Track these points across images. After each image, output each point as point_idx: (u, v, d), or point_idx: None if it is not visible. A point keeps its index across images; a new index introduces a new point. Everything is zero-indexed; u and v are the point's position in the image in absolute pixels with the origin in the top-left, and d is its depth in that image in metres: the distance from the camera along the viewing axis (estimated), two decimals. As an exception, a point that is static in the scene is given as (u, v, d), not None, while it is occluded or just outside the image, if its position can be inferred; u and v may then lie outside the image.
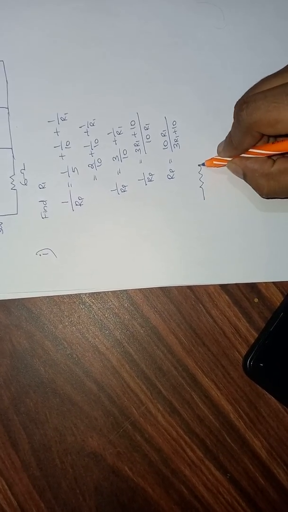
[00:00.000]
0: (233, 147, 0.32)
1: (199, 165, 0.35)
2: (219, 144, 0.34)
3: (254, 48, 0.38)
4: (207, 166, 0.35)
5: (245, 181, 0.33)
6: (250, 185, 0.33)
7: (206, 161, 0.35)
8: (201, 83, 0.37)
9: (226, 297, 0.35)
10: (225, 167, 0.34)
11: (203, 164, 0.35)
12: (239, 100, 0.31)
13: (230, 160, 0.33)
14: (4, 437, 0.31)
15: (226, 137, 0.33)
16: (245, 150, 0.32)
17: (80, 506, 0.31)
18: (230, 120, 0.36)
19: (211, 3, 0.38)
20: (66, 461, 0.32)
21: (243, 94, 0.33)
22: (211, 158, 0.35)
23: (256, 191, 0.32)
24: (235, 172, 0.34)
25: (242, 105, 0.29)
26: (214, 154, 0.35)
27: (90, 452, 0.32)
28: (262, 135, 0.30)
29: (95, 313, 0.34)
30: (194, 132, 0.36)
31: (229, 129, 0.34)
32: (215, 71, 0.37)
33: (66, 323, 0.33)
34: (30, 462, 0.32)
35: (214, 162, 0.35)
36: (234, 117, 0.32)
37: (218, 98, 0.37)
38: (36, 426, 0.32)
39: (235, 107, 0.31)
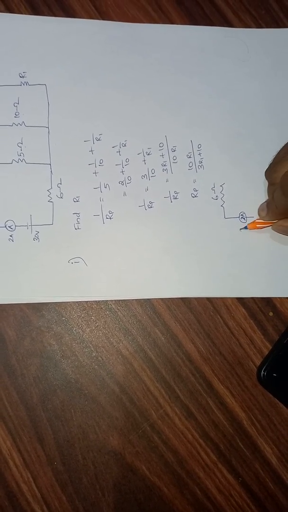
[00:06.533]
0: (279, 212, 0.35)
1: (241, 229, 0.37)
2: (260, 209, 0.37)
3: (275, 77, 0.41)
4: (250, 229, 0.37)
5: None
6: None
7: (248, 224, 0.37)
8: (224, 109, 0.40)
9: (243, 309, 0.37)
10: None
11: (246, 228, 0.37)
12: (270, 169, 0.35)
13: (277, 223, 0.36)
14: (32, 432, 0.34)
15: (268, 204, 0.36)
16: None
17: (99, 501, 0.33)
18: (251, 144, 0.39)
19: (237, 37, 0.41)
20: (88, 457, 0.34)
21: (264, 118, 0.37)
22: (254, 222, 0.37)
23: None
24: (283, 232, 0.37)
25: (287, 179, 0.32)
26: (236, 176, 0.38)
27: (111, 450, 0.34)
28: None
29: (120, 319, 0.36)
30: (217, 154, 0.39)
31: (250, 151, 0.37)
32: (237, 98, 0.40)
33: (93, 327, 0.36)
34: (55, 457, 0.33)
35: (257, 225, 0.37)
36: (270, 189, 0.35)
37: (240, 123, 0.40)
38: (62, 423, 0.34)
39: (276, 181, 0.34)
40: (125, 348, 0.35)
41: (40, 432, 0.34)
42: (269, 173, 0.35)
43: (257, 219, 0.37)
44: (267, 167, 0.36)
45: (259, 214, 0.37)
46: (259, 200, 0.38)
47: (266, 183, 0.38)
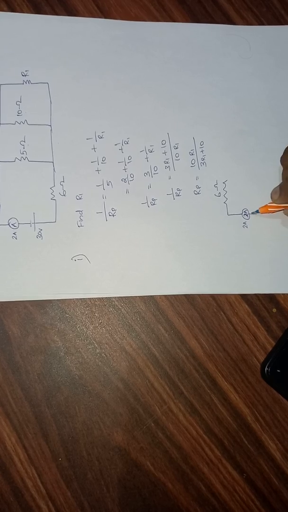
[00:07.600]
0: None
1: (252, 213, 0.37)
2: (273, 192, 0.37)
3: (277, 74, 0.41)
4: (261, 213, 0.37)
5: None
6: None
7: (260, 208, 0.37)
8: (227, 107, 0.40)
9: (246, 306, 0.37)
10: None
11: (257, 212, 0.37)
12: (285, 154, 0.35)
13: None
14: (36, 428, 0.34)
15: (281, 187, 0.36)
16: None
17: (104, 497, 0.33)
18: (253, 141, 0.39)
19: (239, 35, 0.41)
20: (93, 453, 0.34)
21: (266, 115, 0.37)
22: (266, 205, 0.37)
23: None
24: None
25: None
26: (239, 173, 0.38)
27: (115, 446, 0.34)
28: None
29: (124, 316, 0.36)
30: (220, 152, 0.39)
31: (252, 148, 0.38)
32: (240, 96, 0.40)
33: (97, 324, 0.36)
34: (59, 453, 0.34)
35: (269, 209, 0.37)
36: (285, 173, 0.35)
37: (242, 121, 0.40)
38: (66, 419, 0.34)
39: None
40: (129, 344, 0.35)
41: (44, 428, 0.34)
42: (285, 158, 0.35)
43: (269, 203, 0.37)
44: (269, 163, 0.36)
45: (271, 197, 0.37)
46: (261, 196, 0.38)
47: (269, 180, 0.38)
